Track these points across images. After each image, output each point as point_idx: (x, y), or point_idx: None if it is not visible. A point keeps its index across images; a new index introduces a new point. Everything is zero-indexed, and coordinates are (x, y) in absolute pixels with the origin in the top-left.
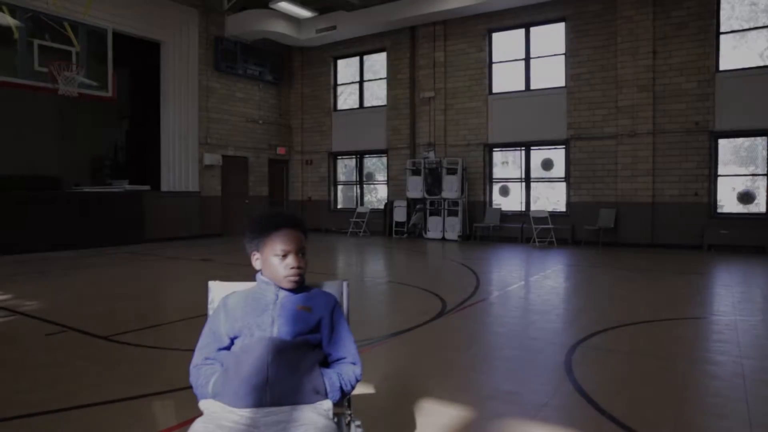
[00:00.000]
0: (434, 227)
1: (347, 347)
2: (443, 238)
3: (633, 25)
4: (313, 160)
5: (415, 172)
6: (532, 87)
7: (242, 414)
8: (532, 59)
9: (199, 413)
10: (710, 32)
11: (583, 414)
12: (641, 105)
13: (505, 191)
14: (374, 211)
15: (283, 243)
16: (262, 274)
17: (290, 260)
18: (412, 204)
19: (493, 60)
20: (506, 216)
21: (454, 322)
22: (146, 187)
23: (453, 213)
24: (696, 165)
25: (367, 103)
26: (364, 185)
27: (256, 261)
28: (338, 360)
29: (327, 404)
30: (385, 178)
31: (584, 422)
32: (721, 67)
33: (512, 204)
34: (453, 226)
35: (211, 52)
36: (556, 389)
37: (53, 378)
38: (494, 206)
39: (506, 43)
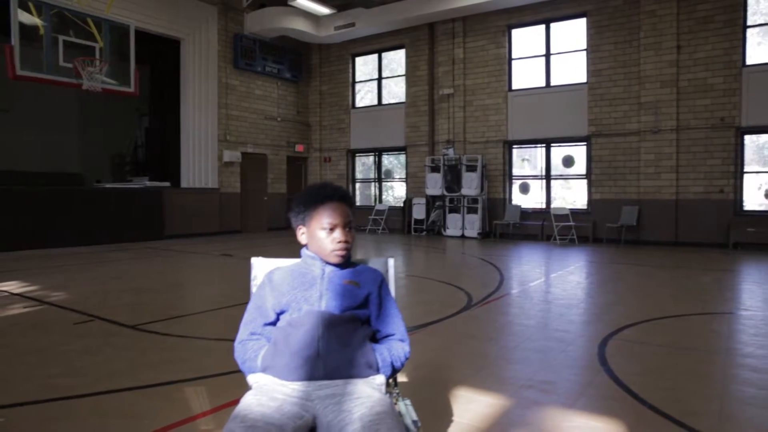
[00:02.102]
0: (453, 224)
1: (396, 324)
2: (462, 236)
3: (656, 19)
4: (332, 158)
5: (434, 169)
6: (553, 83)
7: (294, 387)
8: (552, 55)
9: (241, 393)
10: (737, 26)
11: (622, 404)
12: (664, 101)
13: (525, 188)
14: (392, 209)
15: (330, 216)
16: (307, 249)
17: (337, 234)
18: (431, 201)
19: (513, 56)
20: (526, 213)
21: (482, 315)
22: (166, 184)
23: (472, 210)
24: (721, 161)
25: (384, 101)
26: (383, 183)
27: (302, 235)
28: (387, 337)
29: (380, 379)
30: (404, 176)
31: (624, 412)
32: (748, 62)
33: (532, 201)
34: (472, 224)
35: (230, 49)
36: (592, 379)
37: (85, 363)
38: (514, 204)
39: (526, 40)
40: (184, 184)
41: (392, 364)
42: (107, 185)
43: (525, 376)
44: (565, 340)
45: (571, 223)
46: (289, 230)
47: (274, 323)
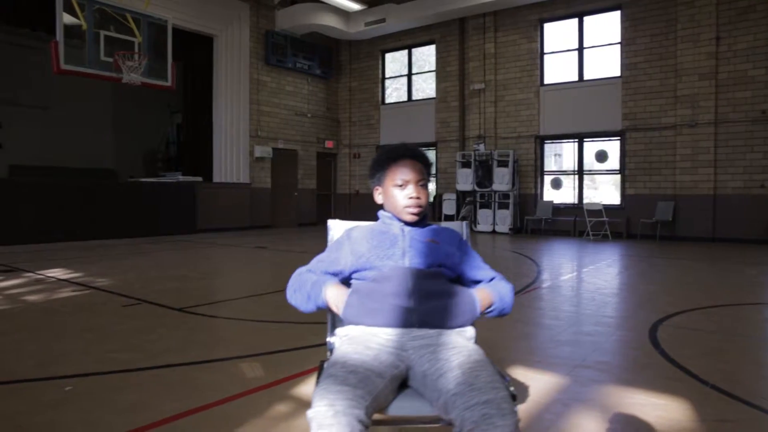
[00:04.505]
0: (484, 220)
1: (490, 271)
2: (493, 231)
3: (694, 10)
4: (361, 154)
5: (465, 164)
6: (586, 77)
7: (388, 337)
8: (585, 49)
9: (296, 369)
10: None
11: (683, 384)
12: (702, 94)
13: (557, 184)
14: None
15: (402, 173)
16: (384, 209)
17: (410, 190)
18: (461, 197)
19: (545, 51)
20: (558, 209)
21: (525, 302)
22: (199, 179)
23: (504, 206)
24: (763, 156)
25: (414, 97)
26: None
27: (378, 195)
28: (490, 280)
29: (471, 331)
30: (434, 171)
31: (686, 391)
32: None
33: (564, 197)
34: (504, 219)
35: (261, 45)
36: (647, 361)
37: (139, 341)
38: (546, 199)
39: (559, 34)
40: (216, 179)
41: (503, 298)
42: (141, 180)
43: (578, 356)
44: (613, 325)
45: (605, 219)
46: (319, 226)
47: (337, 276)
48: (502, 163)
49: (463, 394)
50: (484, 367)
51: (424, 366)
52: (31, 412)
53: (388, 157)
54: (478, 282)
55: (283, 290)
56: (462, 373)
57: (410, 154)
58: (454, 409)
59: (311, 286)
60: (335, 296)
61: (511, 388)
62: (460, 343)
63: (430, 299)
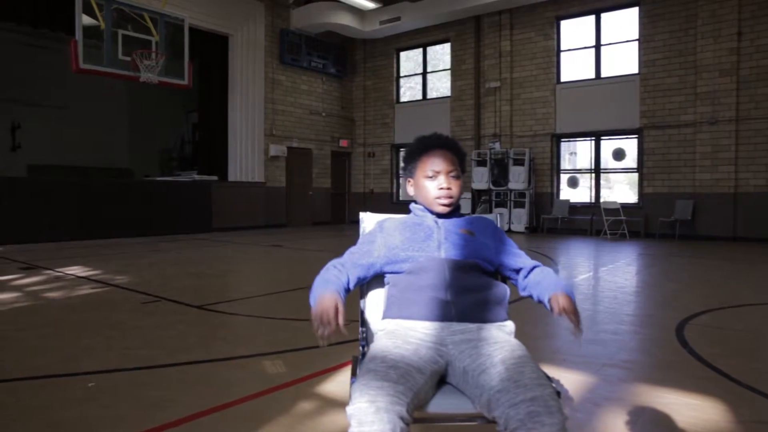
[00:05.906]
0: (500, 219)
1: (529, 260)
2: (509, 230)
3: (716, 5)
4: (376, 153)
5: (481, 163)
6: (603, 75)
7: (427, 332)
8: (602, 46)
9: (318, 367)
10: None
11: (716, 384)
12: (723, 90)
13: (573, 182)
14: None
15: (433, 164)
16: (416, 202)
17: (440, 181)
18: (476, 195)
19: (561, 48)
20: (574, 208)
21: None
22: (214, 178)
23: (519, 204)
24: None
25: (428, 95)
26: None
27: (410, 188)
28: (532, 268)
29: (511, 326)
30: None
31: (719, 390)
32: None
33: (581, 196)
34: (519, 218)
35: (276, 44)
36: (675, 360)
37: (159, 338)
38: (562, 198)
39: (575, 31)
40: (231, 177)
41: (571, 292)
42: (157, 179)
43: (604, 355)
44: (637, 323)
45: (622, 218)
46: (333, 224)
47: (370, 269)
48: (518, 162)
49: (507, 391)
50: (527, 363)
51: (465, 362)
52: (59, 408)
53: (418, 149)
54: (518, 270)
55: (302, 288)
56: (505, 369)
57: (440, 144)
58: (498, 407)
59: (317, 286)
60: (319, 304)
61: (554, 385)
62: (502, 338)
63: (467, 292)
